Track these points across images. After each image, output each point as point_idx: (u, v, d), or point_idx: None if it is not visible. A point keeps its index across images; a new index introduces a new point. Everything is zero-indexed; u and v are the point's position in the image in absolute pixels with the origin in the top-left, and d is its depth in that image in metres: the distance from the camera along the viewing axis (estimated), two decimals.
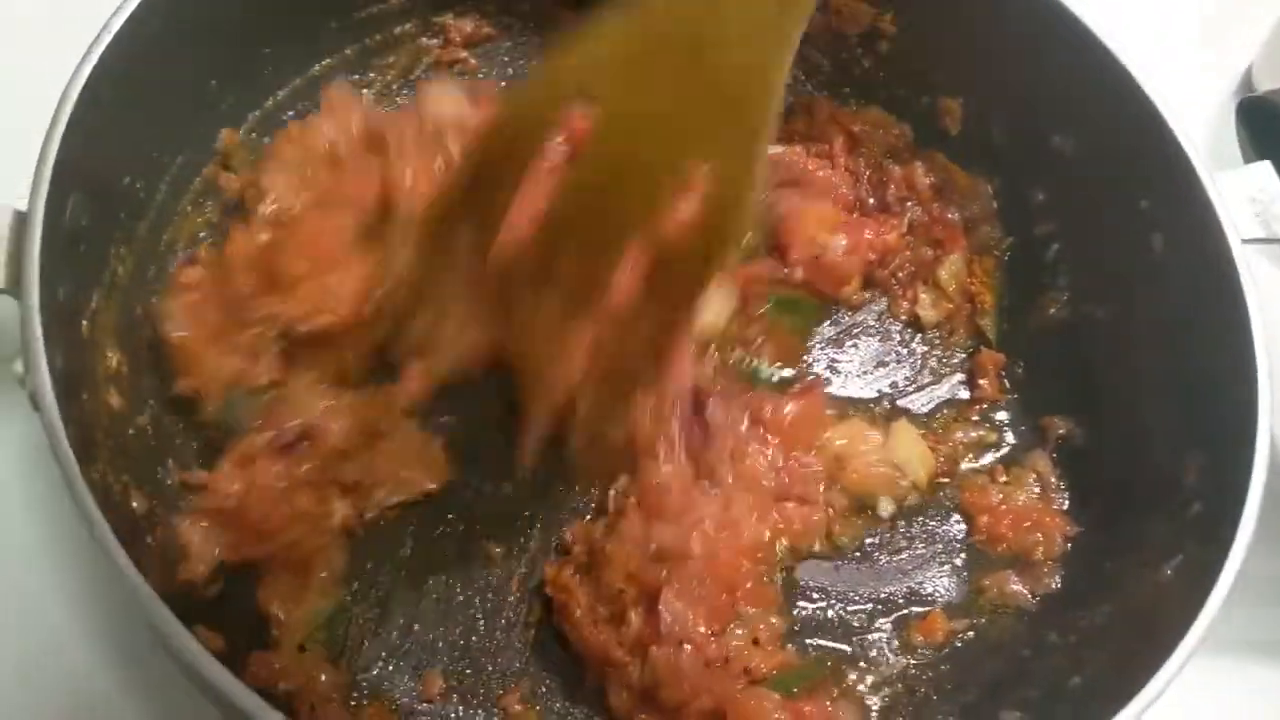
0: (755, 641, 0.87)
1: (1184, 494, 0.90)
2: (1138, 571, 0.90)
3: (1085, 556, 0.97)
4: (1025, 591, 0.97)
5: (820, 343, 1.09)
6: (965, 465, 1.05)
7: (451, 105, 0.96)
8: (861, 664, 0.95)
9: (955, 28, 1.10)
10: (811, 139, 1.14)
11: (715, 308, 1.01)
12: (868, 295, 1.12)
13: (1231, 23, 1.35)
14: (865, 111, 1.17)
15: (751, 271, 1.04)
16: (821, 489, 0.96)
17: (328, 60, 1.12)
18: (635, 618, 0.86)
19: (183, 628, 0.68)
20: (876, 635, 0.96)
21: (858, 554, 0.99)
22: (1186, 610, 0.81)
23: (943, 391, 1.09)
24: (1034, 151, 1.08)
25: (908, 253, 1.12)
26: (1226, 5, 1.38)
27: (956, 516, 1.02)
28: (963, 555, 1.01)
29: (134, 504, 0.86)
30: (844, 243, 1.07)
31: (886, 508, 1.00)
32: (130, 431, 0.91)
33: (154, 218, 0.99)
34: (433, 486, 0.95)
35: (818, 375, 1.07)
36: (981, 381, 1.08)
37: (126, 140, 0.93)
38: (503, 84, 1.17)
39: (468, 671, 0.91)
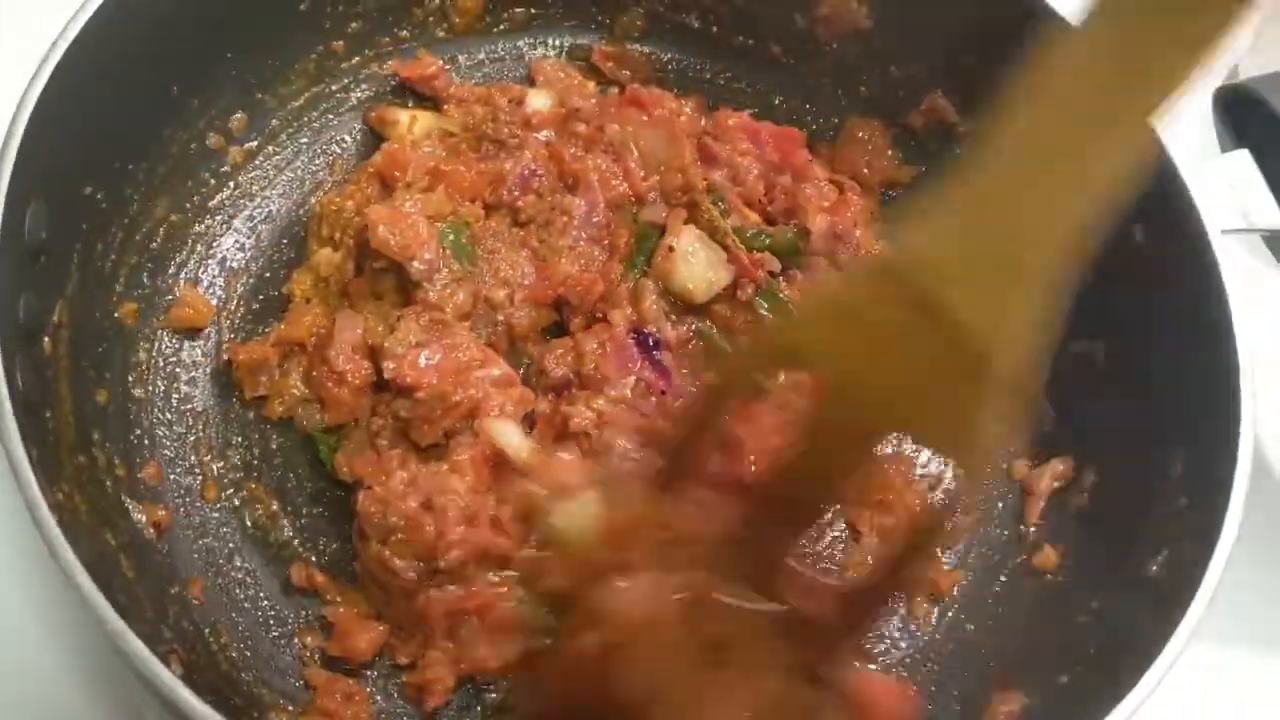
0: None
1: (1170, 488, 0.89)
2: (1125, 569, 0.89)
3: (1072, 555, 0.96)
4: None
5: None
6: None
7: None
8: None
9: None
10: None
11: (710, 275, 1.01)
12: None
13: None
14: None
15: (756, 258, 1.03)
16: None
17: (298, 65, 1.10)
18: None
19: (149, 652, 0.66)
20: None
21: None
22: (1175, 605, 0.80)
23: None
24: None
25: None
26: None
27: None
28: None
29: (107, 536, 0.85)
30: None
31: None
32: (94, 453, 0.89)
33: (122, 225, 0.97)
34: None
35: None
36: None
37: (86, 149, 0.91)
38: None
39: None
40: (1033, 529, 1.00)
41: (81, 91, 0.87)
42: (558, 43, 1.21)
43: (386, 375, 0.91)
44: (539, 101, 1.11)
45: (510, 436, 0.93)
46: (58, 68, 0.85)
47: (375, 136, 1.12)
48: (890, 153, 1.17)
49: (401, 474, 0.89)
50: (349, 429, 0.95)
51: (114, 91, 0.92)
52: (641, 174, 1.05)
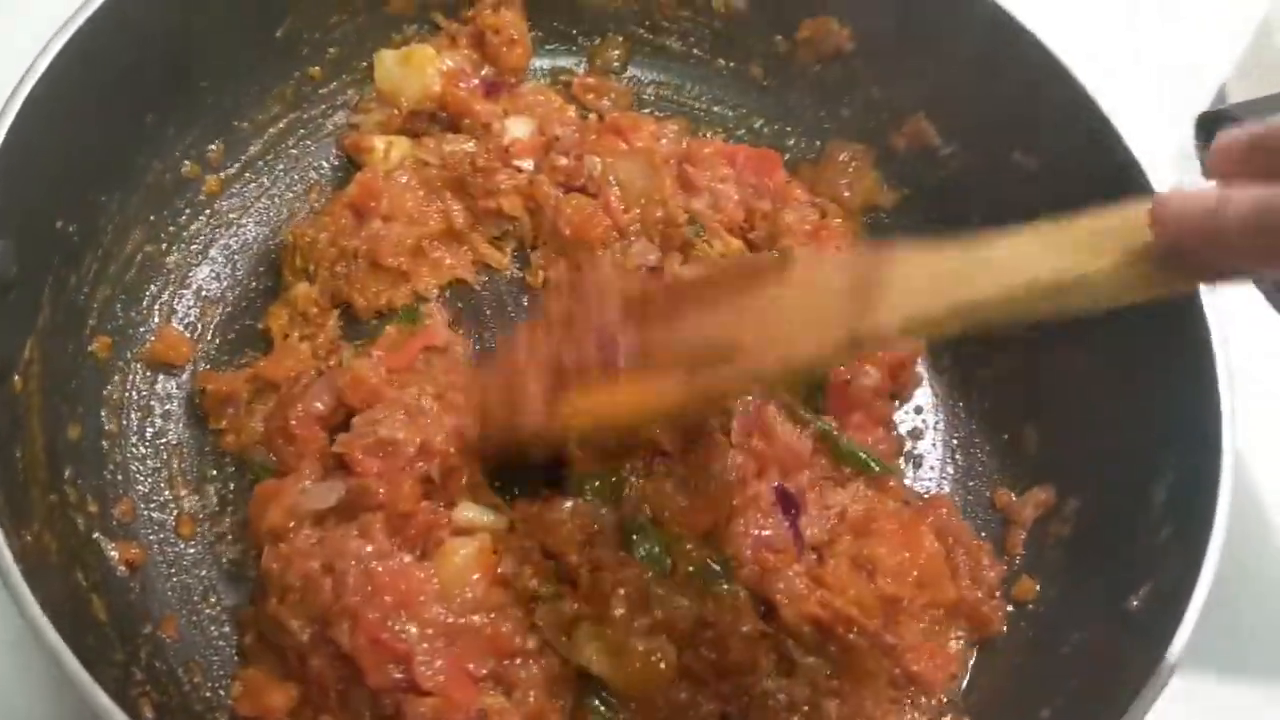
0: None
1: (1154, 516, 0.89)
2: (1108, 599, 0.88)
3: (1055, 586, 0.96)
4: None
5: None
6: None
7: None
8: None
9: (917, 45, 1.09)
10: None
11: None
12: None
13: (1207, 38, 1.34)
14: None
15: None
16: None
17: (275, 90, 1.10)
18: None
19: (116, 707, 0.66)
20: None
21: None
22: (1158, 636, 0.79)
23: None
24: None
25: None
26: (1202, 17, 1.37)
27: None
28: None
29: (78, 575, 0.84)
30: None
31: None
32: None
33: (95, 257, 0.96)
34: None
35: None
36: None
37: (57, 183, 0.90)
38: None
39: None
40: (1017, 560, 0.99)
41: (52, 126, 0.86)
42: (538, 66, 1.20)
43: (337, 448, 0.90)
44: (519, 129, 1.11)
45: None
46: (27, 102, 0.84)
47: (353, 162, 1.11)
48: (872, 175, 1.16)
49: (308, 532, 0.87)
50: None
51: (86, 124, 0.91)
52: (623, 208, 1.05)
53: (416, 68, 1.07)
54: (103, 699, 0.66)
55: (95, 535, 0.88)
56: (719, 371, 0.84)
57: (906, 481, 1.03)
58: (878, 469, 0.99)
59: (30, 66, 0.85)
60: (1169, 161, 1.00)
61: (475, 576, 0.88)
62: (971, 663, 0.95)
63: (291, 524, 0.88)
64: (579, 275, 0.95)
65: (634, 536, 0.91)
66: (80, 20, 0.88)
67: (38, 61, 0.85)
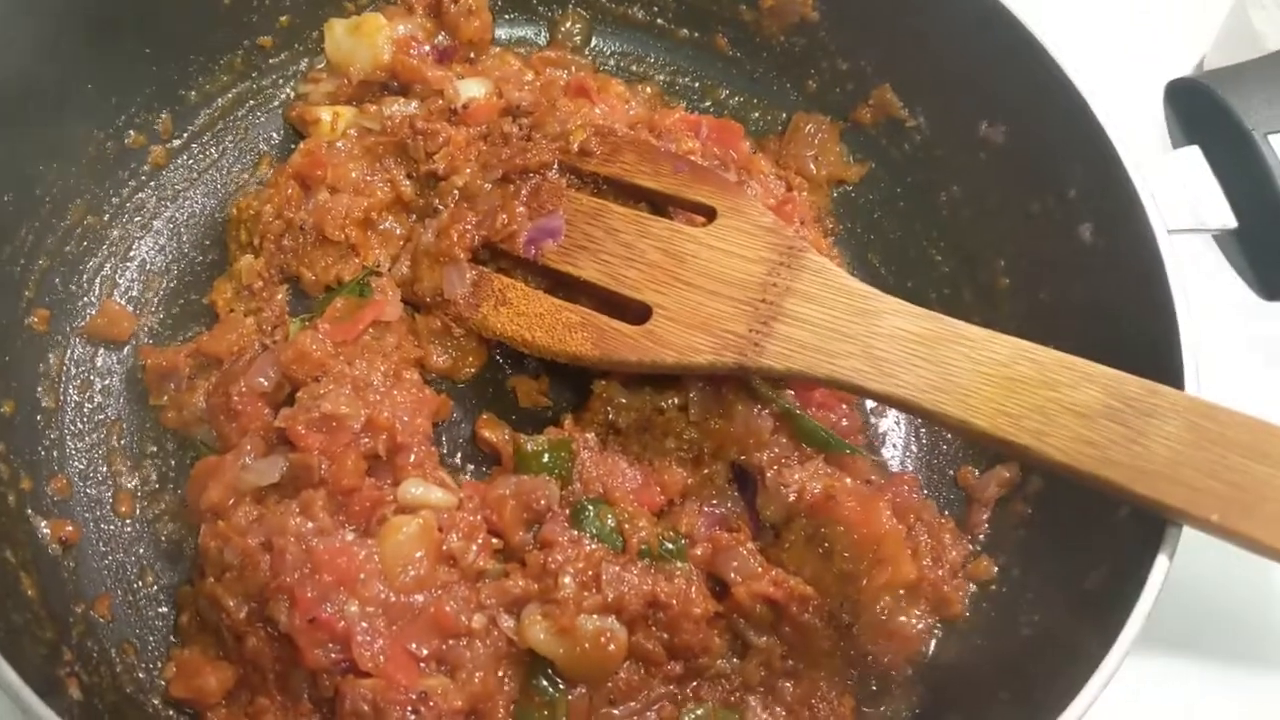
0: None
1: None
2: (1067, 579, 0.86)
3: (1013, 570, 0.93)
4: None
5: None
6: None
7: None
8: None
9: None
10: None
11: None
12: None
13: (1188, 10, 1.32)
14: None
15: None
16: None
17: (224, 60, 1.07)
18: None
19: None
20: None
21: None
22: (1115, 616, 0.78)
23: None
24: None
25: None
26: None
27: None
28: None
29: (6, 553, 0.81)
30: None
31: None
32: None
33: (32, 228, 0.93)
34: None
35: None
36: None
37: None
38: None
39: None
40: (980, 538, 0.97)
41: None
42: (497, 36, 1.17)
43: (279, 422, 0.88)
44: (474, 89, 1.06)
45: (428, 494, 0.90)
46: None
47: (300, 134, 1.09)
48: (838, 148, 1.14)
49: (248, 509, 0.85)
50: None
51: (19, 90, 0.89)
52: None
53: (367, 36, 1.04)
54: (9, 675, 0.63)
55: (27, 512, 0.86)
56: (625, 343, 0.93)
57: (869, 459, 1.01)
58: (838, 447, 0.97)
59: None
60: (1136, 127, 0.98)
61: (419, 554, 0.85)
62: (932, 643, 0.93)
63: (231, 501, 0.86)
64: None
65: (584, 513, 0.89)
66: None
67: None
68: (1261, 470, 0.74)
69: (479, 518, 0.88)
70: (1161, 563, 0.78)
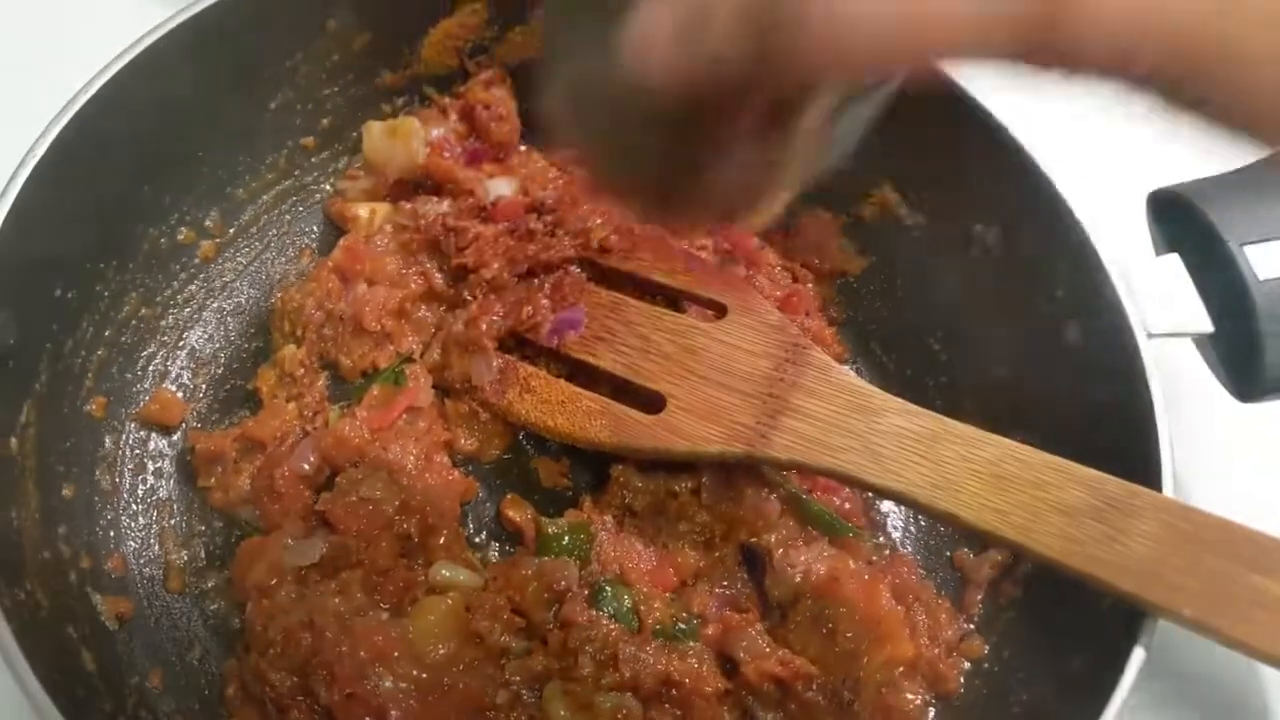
0: None
1: None
2: (1052, 660, 0.92)
3: (1004, 650, 0.99)
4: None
5: None
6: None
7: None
8: None
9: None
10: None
11: None
12: None
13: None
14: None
15: None
16: None
17: (269, 159, 1.14)
18: None
19: None
20: None
21: None
22: (1095, 702, 0.82)
23: None
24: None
25: None
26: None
27: None
28: None
29: (69, 629, 0.87)
30: None
31: None
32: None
33: (92, 321, 1.00)
34: None
35: None
36: None
37: (57, 254, 0.94)
38: None
39: None
40: (974, 618, 1.02)
41: (53, 200, 0.90)
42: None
43: (319, 506, 0.95)
44: (502, 187, 1.14)
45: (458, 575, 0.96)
46: (29, 179, 0.88)
47: (339, 228, 1.16)
48: (840, 243, 1.20)
49: (290, 588, 0.91)
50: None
51: (87, 198, 0.96)
52: None
53: (403, 139, 1.11)
54: None
55: (86, 590, 0.92)
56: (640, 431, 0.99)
57: (871, 541, 1.07)
58: (842, 531, 1.03)
59: (32, 147, 0.89)
60: (1120, 235, 1.04)
61: (449, 633, 0.91)
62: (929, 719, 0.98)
63: (274, 580, 0.92)
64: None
65: (603, 594, 0.95)
66: (83, 100, 0.92)
67: (39, 142, 0.89)
68: (1232, 569, 0.81)
69: (503, 598, 0.94)
70: (1137, 653, 0.83)
